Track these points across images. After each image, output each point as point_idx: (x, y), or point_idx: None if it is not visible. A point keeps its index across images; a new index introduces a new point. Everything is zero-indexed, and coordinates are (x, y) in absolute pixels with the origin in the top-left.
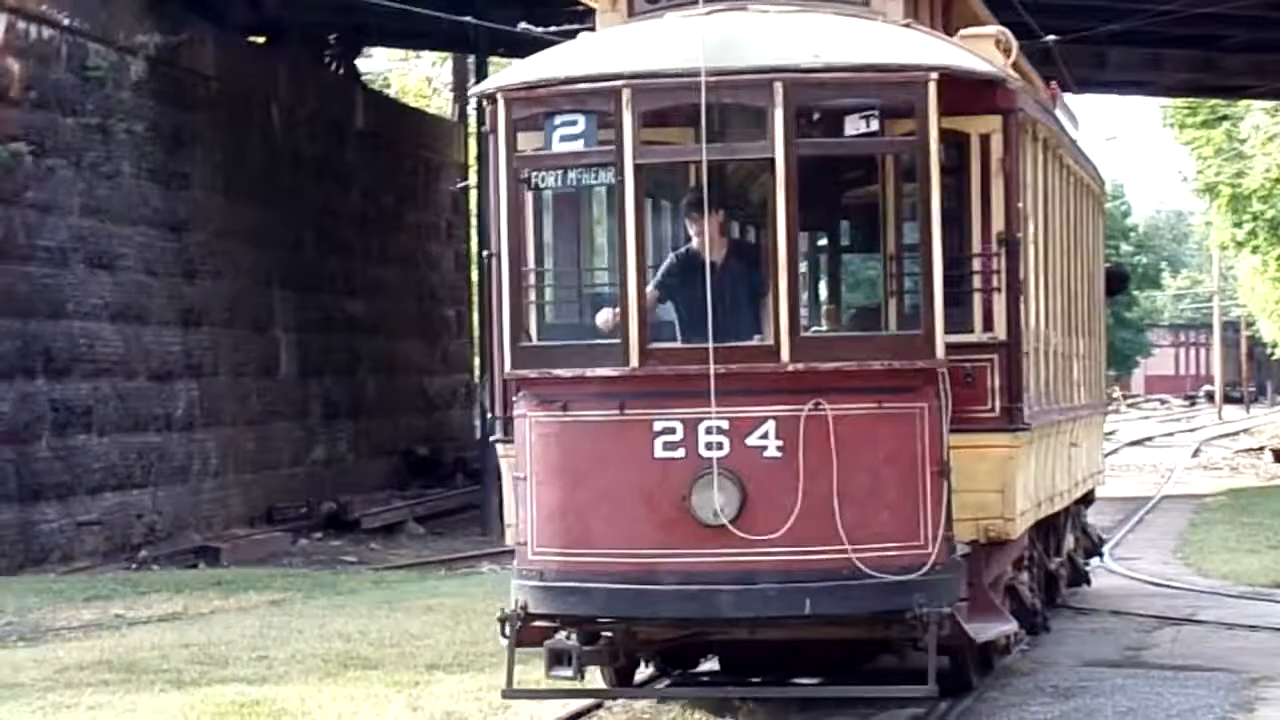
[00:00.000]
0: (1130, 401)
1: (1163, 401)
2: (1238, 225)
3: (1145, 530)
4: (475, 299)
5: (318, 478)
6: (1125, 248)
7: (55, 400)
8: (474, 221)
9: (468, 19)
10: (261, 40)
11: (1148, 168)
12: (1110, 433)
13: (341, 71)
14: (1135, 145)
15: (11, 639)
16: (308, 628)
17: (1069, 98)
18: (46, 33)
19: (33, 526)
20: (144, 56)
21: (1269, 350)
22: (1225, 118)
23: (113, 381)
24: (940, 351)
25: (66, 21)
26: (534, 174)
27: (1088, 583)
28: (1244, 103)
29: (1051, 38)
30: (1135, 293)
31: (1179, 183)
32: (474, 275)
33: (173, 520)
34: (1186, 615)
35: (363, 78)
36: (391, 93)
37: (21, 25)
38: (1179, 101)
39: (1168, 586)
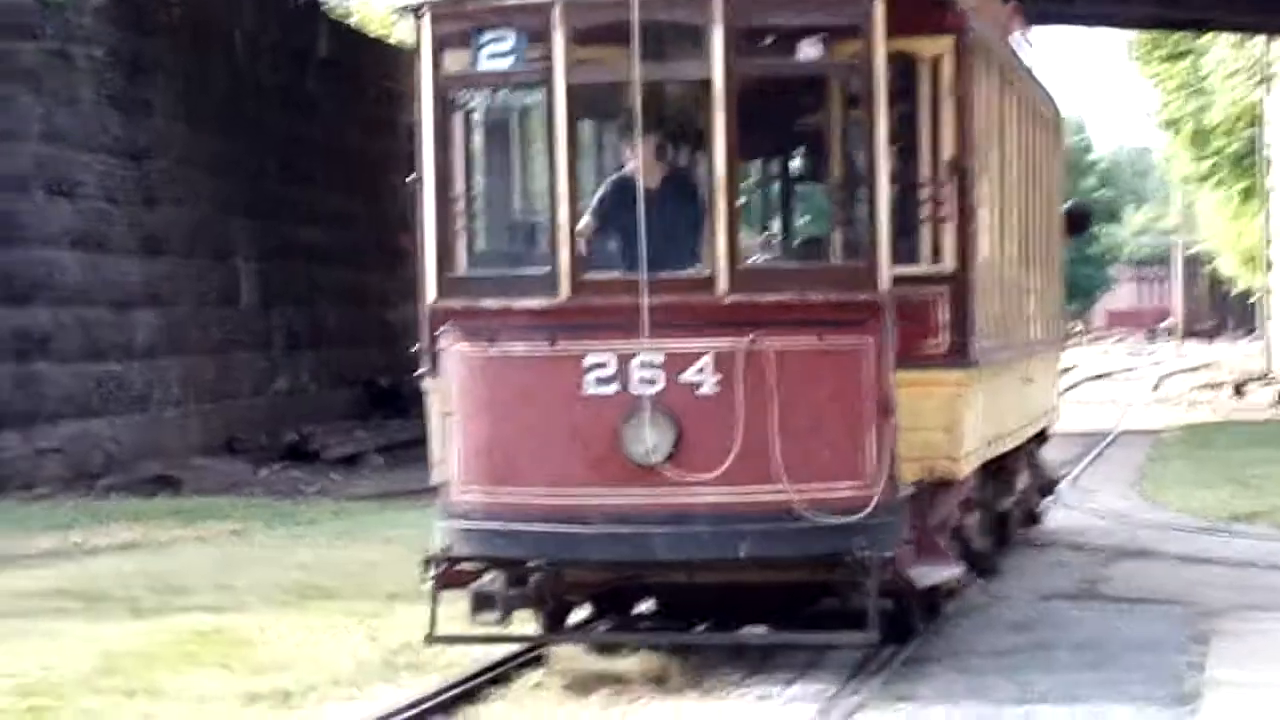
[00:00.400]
0: (1094, 336)
1: (1121, 339)
2: (1199, 160)
3: (1103, 465)
4: None
5: (279, 408)
6: (1088, 182)
7: (15, 328)
8: None
9: None
10: None
11: (1114, 102)
12: (1069, 368)
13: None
14: (1101, 79)
15: None
16: (267, 557)
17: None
18: None
19: None
20: None
21: (1227, 286)
22: (1189, 52)
23: (73, 310)
24: (885, 284)
25: None
26: (461, 94)
27: (1038, 521)
28: (1208, 37)
29: None
30: (1097, 228)
31: (1143, 117)
32: None
33: (133, 449)
34: (1143, 549)
35: (325, 7)
36: (354, 22)
37: None
38: (1144, 35)
39: (1125, 521)
